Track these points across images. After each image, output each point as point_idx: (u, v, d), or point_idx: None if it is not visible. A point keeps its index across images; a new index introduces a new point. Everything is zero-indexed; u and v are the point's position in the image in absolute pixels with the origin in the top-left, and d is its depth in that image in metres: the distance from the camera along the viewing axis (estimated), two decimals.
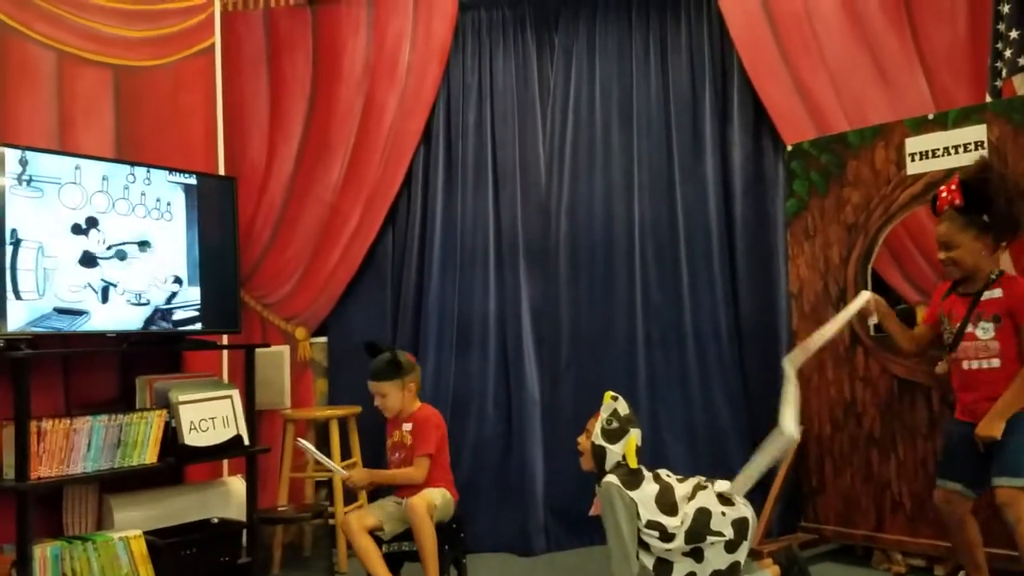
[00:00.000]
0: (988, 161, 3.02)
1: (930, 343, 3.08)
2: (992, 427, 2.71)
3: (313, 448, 3.33)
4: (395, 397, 3.35)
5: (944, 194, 2.86)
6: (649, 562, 2.96)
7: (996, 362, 2.79)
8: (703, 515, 2.94)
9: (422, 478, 3.29)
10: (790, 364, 3.06)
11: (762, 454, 3.03)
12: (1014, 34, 3.49)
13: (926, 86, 3.83)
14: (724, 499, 3.03)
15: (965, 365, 2.88)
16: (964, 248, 2.82)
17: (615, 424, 3.08)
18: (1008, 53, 3.52)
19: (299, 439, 3.41)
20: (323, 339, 4.36)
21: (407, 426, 3.37)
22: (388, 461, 3.46)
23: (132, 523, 3.40)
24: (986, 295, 2.81)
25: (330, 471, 3.52)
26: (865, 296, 3.13)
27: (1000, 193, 2.78)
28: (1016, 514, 2.69)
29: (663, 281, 4.27)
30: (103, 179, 3.39)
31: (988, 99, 3.56)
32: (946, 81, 3.82)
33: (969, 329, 2.85)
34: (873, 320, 3.28)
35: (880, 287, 3.74)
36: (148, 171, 3.55)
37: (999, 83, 3.56)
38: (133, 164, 3.53)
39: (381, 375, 3.35)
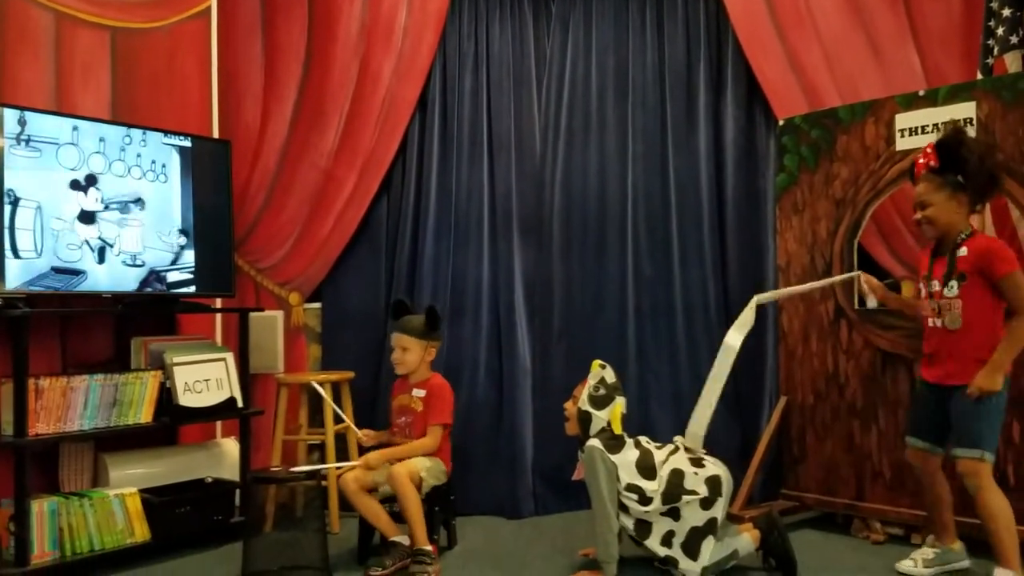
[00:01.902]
0: (960, 127, 3.11)
1: None
2: (992, 380, 2.77)
3: (316, 466, 3.42)
4: (415, 354, 3.43)
5: (921, 160, 2.95)
6: (629, 523, 3.06)
7: (959, 322, 2.87)
8: (676, 476, 3.05)
9: (436, 446, 3.37)
10: (755, 299, 3.44)
11: (710, 380, 3.28)
12: (1006, 12, 3.53)
13: (919, 63, 3.87)
14: (694, 461, 3.13)
15: (930, 323, 2.98)
16: (938, 206, 2.90)
17: (602, 391, 3.16)
18: (1000, 31, 3.56)
19: (316, 383, 3.46)
20: (316, 305, 4.39)
21: (418, 392, 3.44)
22: (392, 423, 3.52)
23: (126, 481, 3.47)
24: (958, 253, 2.89)
25: (342, 425, 3.59)
26: (855, 273, 3.26)
27: (973, 151, 2.85)
28: (975, 483, 2.81)
29: (654, 253, 4.31)
30: (100, 140, 3.41)
31: (979, 76, 3.60)
32: (938, 58, 3.86)
33: (936, 288, 2.94)
34: (872, 303, 3.35)
35: (866, 261, 3.80)
36: (144, 133, 3.57)
37: (990, 61, 3.61)
38: (130, 126, 3.55)
39: (411, 329, 3.44)
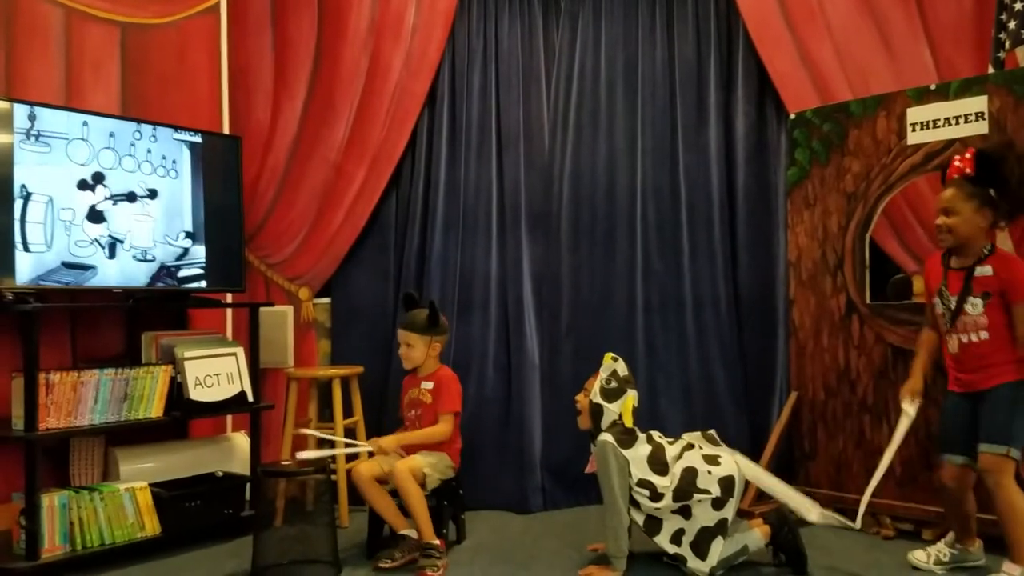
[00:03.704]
0: (1012, 140, 3.02)
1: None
2: None
3: (324, 451, 3.41)
4: (420, 350, 3.44)
5: (957, 163, 2.87)
6: (640, 519, 3.06)
7: (985, 335, 2.83)
8: (689, 474, 3.04)
9: (447, 434, 3.38)
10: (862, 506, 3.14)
11: (784, 489, 3.18)
12: (1019, 6, 3.51)
13: (930, 57, 3.85)
14: (709, 459, 3.12)
15: (952, 339, 2.92)
16: (963, 216, 2.83)
17: (614, 384, 3.15)
18: (1012, 25, 3.54)
19: (299, 454, 3.38)
20: (326, 300, 4.40)
21: (426, 384, 3.45)
22: (403, 417, 3.53)
23: (137, 475, 3.47)
24: (978, 271, 2.83)
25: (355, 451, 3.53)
26: (908, 419, 3.06)
27: (1015, 171, 2.78)
28: (995, 479, 2.77)
29: (664, 248, 4.30)
30: (110, 135, 3.42)
31: (991, 70, 3.57)
32: (950, 52, 3.83)
33: (953, 304, 2.88)
34: (913, 412, 3.09)
35: (878, 256, 3.78)
36: (154, 128, 3.58)
37: (1002, 55, 3.58)
38: (139, 121, 3.56)
39: (413, 326, 3.45)
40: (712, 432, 3.30)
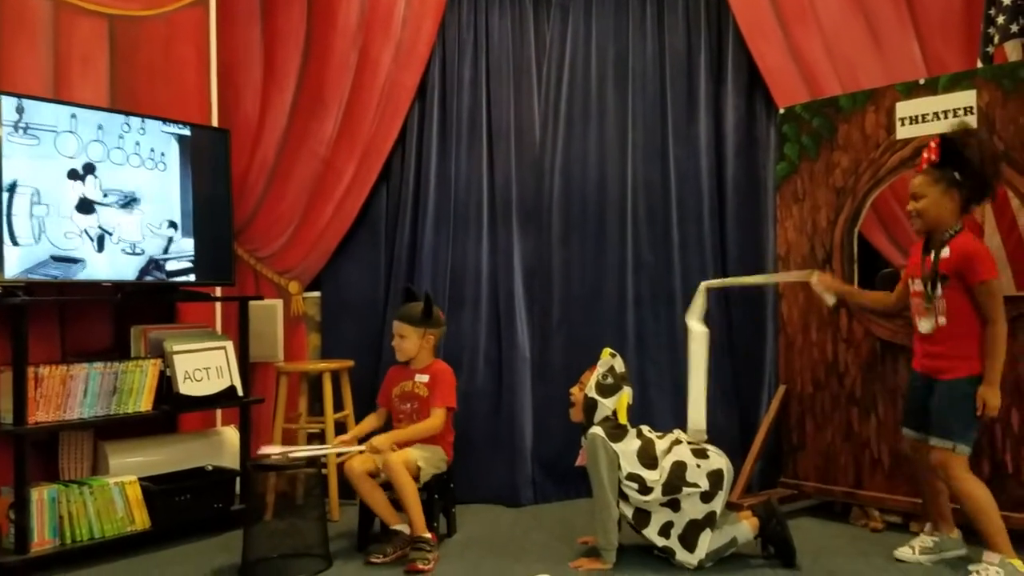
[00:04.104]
0: (970, 125, 3.08)
1: (907, 301, 3.15)
2: (994, 395, 2.79)
3: (310, 450, 3.41)
4: (412, 342, 3.46)
5: (925, 153, 2.95)
6: (629, 512, 3.07)
7: (943, 319, 2.90)
8: (679, 467, 3.06)
9: (438, 429, 3.40)
10: (704, 285, 3.53)
11: (691, 372, 3.31)
12: (1007, 0, 3.52)
13: (919, 51, 3.86)
14: (699, 452, 3.13)
15: (917, 320, 3.00)
16: (929, 199, 2.90)
17: (610, 380, 3.17)
18: (1001, 20, 3.55)
19: (287, 451, 3.39)
20: (316, 294, 4.39)
21: (421, 377, 3.46)
22: (396, 409, 3.52)
23: (126, 469, 3.47)
24: (941, 254, 2.89)
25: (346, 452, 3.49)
26: (811, 276, 3.36)
27: (976, 152, 2.84)
28: (946, 473, 2.87)
29: (654, 241, 4.31)
30: (98, 128, 3.40)
31: (979, 65, 3.59)
32: (939, 47, 3.85)
33: (919, 287, 2.96)
34: (830, 302, 3.35)
35: (866, 250, 3.80)
36: (143, 121, 3.56)
37: (991, 49, 3.60)
38: (128, 114, 3.54)
39: (407, 318, 3.48)
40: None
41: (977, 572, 2.78)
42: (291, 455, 3.33)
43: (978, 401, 2.80)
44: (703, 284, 3.54)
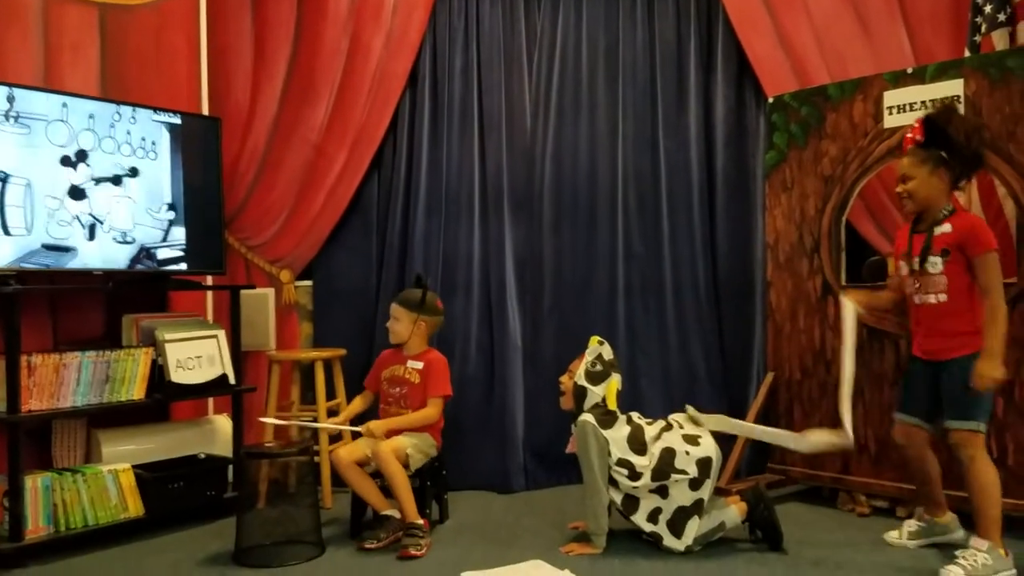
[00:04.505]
0: (952, 104, 3.11)
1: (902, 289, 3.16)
2: (994, 367, 2.75)
3: (308, 423, 3.54)
4: (404, 326, 3.49)
5: (909, 134, 2.96)
6: (618, 498, 3.11)
7: (944, 296, 2.89)
8: (668, 454, 3.09)
9: (435, 418, 3.43)
10: (846, 412, 3.09)
11: (772, 431, 3.26)
12: None
13: (907, 41, 3.89)
14: (689, 439, 3.16)
15: (916, 300, 2.99)
16: (919, 180, 2.91)
17: (599, 367, 3.20)
18: (988, 9, 3.59)
19: (285, 421, 3.53)
20: (308, 282, 4.40)
21: (414, 363, 3.48)
22: (384, 393, 3.54)
23: (119, 457, 3.49)
24: (937, 231, 2.90)
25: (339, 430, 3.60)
26: (848, 307, 3.15)
27: (960, 129, 2.85)
28: (968, 453, 2.83)
29: (644, 230, 4.34)
30: (89, 117, 3.40)
31: (967, 54, 3.62)
32: (927, 36, 3.88)
33: (917, 265, 2.95)
34: (863, 312, 3.21)
35: (854, 238, 3.83)
36: (134, 110, 3.56)
37: (978, 38, 3.63)
38: (119, 103, 3.54)
39: (403, 301, 3.54)
40: (692, 410, 3.34)
41: (964, 557, 2.77)
42: (293, 425, 3.42)
43: (974, 375, 2.76)
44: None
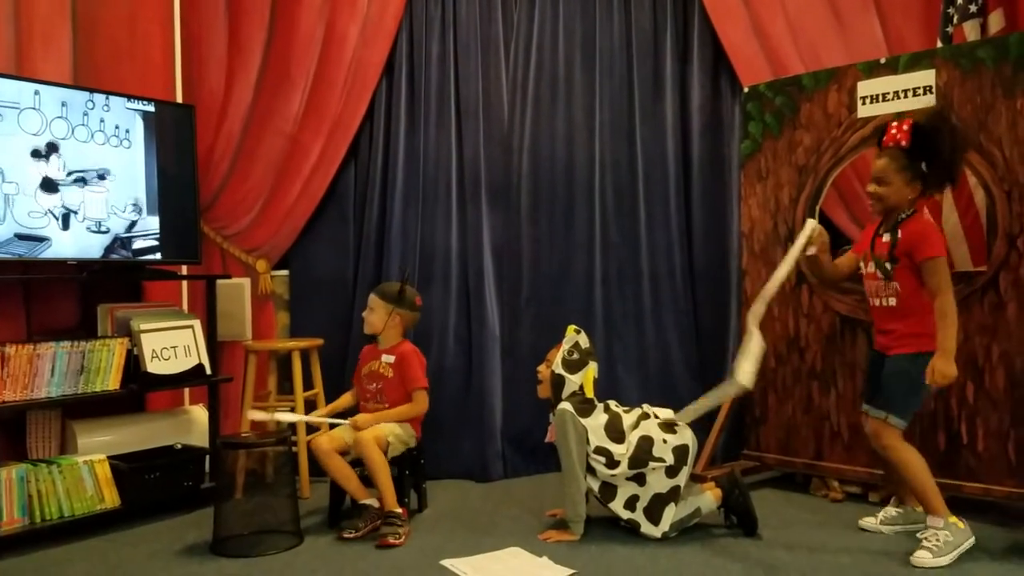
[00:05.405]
0: (945, 113, 3.13)
1: (850, 273, 3.23)
2: (948, 366, 2.79)
3: (296, 417, 3.54)
4: (379, 317, 3.50)
5: (894, 131, 2.94)
6: (595, 485, 3.14)
7: (893, 300, 2.96)
8: (645, 442, 3.12)
9: (423, 410, 3.47)
10: (752, 318, 3.09)
11: (711, 395, 3.18)
12: None
13: (880, 31, 3.93)
14: (666, 427, 3.20)
15: (872, 301, 3.07)
16: (894, 187, 2.93)
17: (576, 356, 3.22)
18: (960, 0, 3.62)
19: (276, 414, 3.53)
20: (284, 272, 4.38)
21: (387, 358, 3.48)
22: (362, 389, 3.54)
23: (95, 448, 3.46)
24: (892, 237, 2.94)
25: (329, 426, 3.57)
26: (811, 225, 3.15)
27: (947, 144, 2.87)
28: (879, 443, 2.94)
29: (621, 219, 4.36)
30: (62, 105, 3.36)
31: (939, 45, 3.66)
32: (900, 26, 3.92)
33: (871, 269, 3.02)
34: (812, 251, 3.18)
35: (828, 227, 3.85)
36: (107, 98, 3.52)
37: (950, 29, 3.67)
38: (92, 91, 3.49)
39: (379, 292, 3.56)
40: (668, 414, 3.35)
41: (927, 538, 2.83)
42: (279, 419, 3.42)
43: (927, 370, 2.81)
44: (749, 319, 3.10)
